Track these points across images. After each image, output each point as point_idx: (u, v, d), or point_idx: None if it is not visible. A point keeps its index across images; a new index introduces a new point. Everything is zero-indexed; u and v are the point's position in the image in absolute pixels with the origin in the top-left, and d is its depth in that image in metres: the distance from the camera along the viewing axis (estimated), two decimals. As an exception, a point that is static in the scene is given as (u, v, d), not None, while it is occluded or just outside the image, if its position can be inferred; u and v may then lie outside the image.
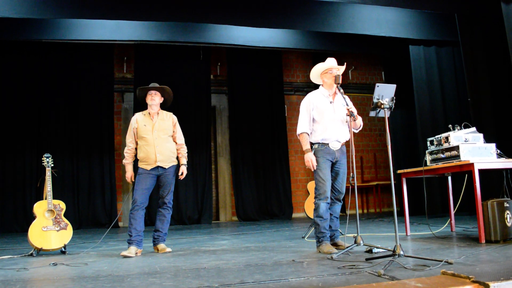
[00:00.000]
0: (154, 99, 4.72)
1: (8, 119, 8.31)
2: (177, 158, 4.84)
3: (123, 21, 7.15)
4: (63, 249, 4.76)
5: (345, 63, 4.46)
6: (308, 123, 4.29)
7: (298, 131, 4.32)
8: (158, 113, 4.77)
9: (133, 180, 4.67)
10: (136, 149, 4.74)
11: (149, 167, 4.60)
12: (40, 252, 4.68)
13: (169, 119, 4.82)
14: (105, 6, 6.53)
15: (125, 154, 4.75)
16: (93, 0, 6.47)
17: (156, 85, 4.76)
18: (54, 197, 4.86)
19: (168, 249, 4.63)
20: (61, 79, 8.73)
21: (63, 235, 4.77)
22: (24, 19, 6.69)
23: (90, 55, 8.81)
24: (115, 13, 6.65)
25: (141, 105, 5.07)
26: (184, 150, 4.85)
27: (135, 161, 4.75)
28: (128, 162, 4.73)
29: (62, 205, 4.89)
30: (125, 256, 4.29)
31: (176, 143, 4.83)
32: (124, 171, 4.79)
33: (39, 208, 4.77)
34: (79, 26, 7.24)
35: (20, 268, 3.81)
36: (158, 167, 4.62)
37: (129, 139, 4.74)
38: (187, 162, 4.85)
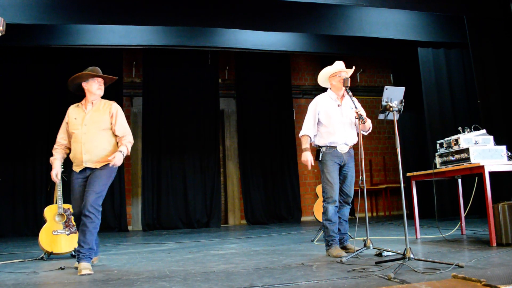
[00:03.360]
0: (102, 88, 3.99)
1: (18, 124, 8.39)
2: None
3: (132, 26, 7.21)
4: (73, 253, 4.79)
5: (353, 66, 4.46)
6: (313, 126, 4.34)
7: (301, 133, 4.41)
8: (92, 103, 3.98)
9: (58, 177, 4.04)
10: (69, 148, 4.02)
11: (78, 169, 3.87)
12: (50, 255, 4.73)
13: (106, 110, 3.95)
14: (114, 11, 6.60)
15: (52, 151, 4.04)
16: (102, 6, 6.54)
17: (99, 70, 4.02)
18: (64, 201, 4.90)
19: (87, 271, 3.53)
20: (70, 84, 8.79)
21: (73, 239, 4.79)
22: (33, 25, 6.74)
23: (99, 60, 8.81)
24: (124, 18, 6.72)
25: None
26: (126, 139, 3.93)
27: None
28: (54, 158, 3.99)
29: (72, 209, 4.91)
30: (82, 274, 3.51)
31: (117, 136, 3.96)
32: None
33: (49, 212, 4.81)
34: (88, 32, 7.30)
35: (31, 272, 3.84)
36: (86, 168, 3.84)
37: (60, 135, 4.04)
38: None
